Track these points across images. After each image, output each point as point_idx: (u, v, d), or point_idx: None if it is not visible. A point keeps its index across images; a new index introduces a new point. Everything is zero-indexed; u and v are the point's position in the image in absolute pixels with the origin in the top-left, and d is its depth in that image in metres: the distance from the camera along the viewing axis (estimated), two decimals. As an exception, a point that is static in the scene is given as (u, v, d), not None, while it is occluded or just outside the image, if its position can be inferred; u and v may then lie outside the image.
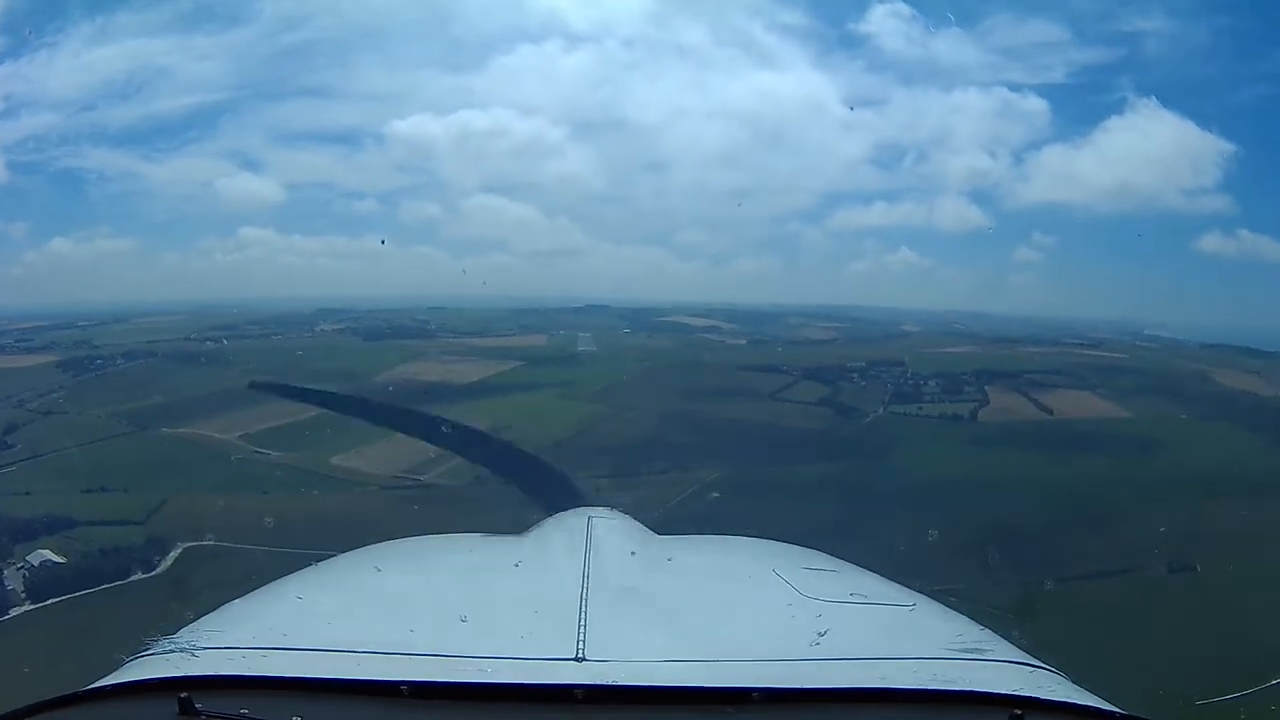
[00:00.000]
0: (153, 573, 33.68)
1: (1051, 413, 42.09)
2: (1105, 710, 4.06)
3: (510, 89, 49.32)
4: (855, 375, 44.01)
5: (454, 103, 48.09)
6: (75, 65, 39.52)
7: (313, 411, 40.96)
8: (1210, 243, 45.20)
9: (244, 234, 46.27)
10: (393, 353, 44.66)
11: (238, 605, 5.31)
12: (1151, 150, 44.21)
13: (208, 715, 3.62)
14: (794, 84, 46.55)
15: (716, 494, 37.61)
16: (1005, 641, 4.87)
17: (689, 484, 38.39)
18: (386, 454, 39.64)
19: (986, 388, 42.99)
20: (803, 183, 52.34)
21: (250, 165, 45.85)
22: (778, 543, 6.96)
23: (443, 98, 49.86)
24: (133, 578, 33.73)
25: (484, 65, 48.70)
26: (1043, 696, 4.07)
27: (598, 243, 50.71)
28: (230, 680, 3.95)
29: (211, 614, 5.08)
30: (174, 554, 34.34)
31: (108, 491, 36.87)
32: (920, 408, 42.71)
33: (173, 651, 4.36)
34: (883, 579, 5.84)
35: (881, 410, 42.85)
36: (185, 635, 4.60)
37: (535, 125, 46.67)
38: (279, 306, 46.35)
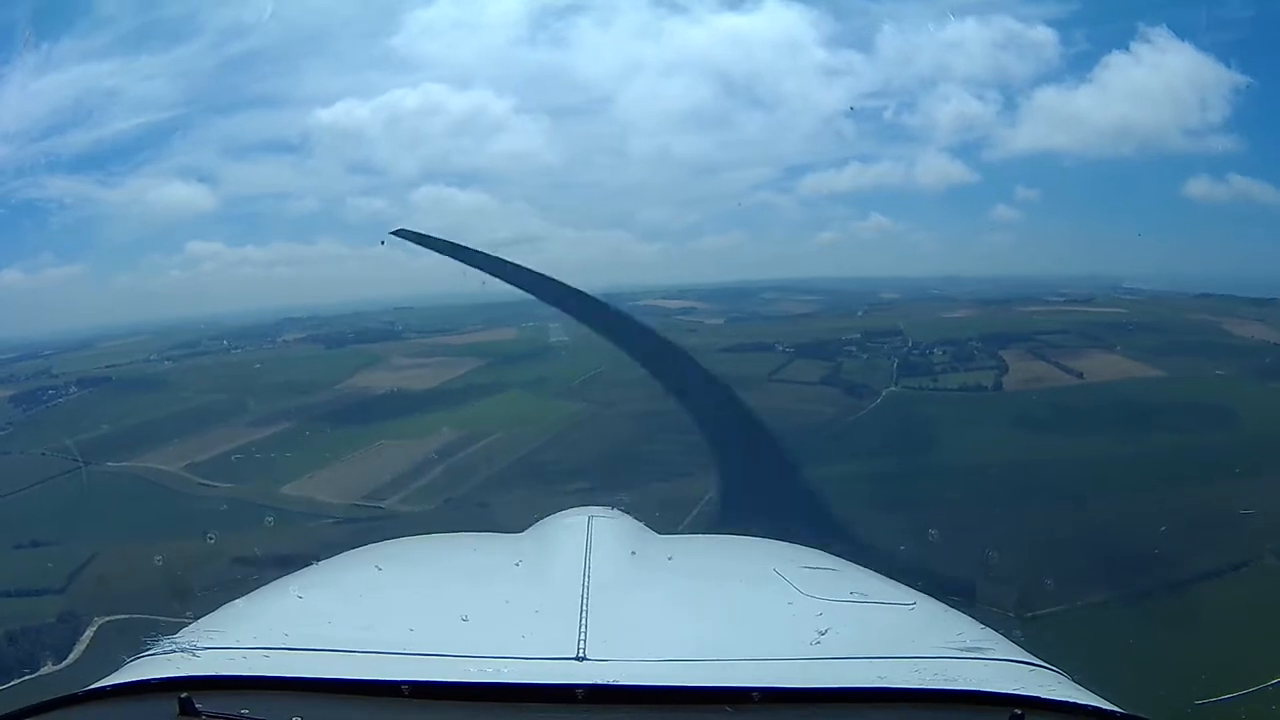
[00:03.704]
0: (64, 663, 28.02)
1: (1081, 376, 36.85)
2: (1105, 710, 3.79)
3: (442, 59, 43.81)
4: (853, 349, 39.08)
5: (398, 86, 42.98)
6: (22, 96, 37.15)
7: (266, 432, 36.41)
8: (1196, 189, 40.19)
9: (203, 249, 42.97)
10: (356, 358, 41.08)
11: (238, 605, 4.99)
12: (1157, 89, 38.73)
13: (208, 715, 3.42)
14: (760, 26, 41.39)
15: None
16: (1006, 640, 4.56)
17: (697, 496, 32.08)
18: (344, 477, 34.79)
19: (1000, 353, 38.06)
20: (770, 146, 46.24)
21: (200, 179, 42.75)
22: (778, 542, 6.60)
23: (388, 86, 43.91)
24: (43, 670, 28.01)
25: (412, 33, 43.37)
26: (1043, 696, 3.79)
27: (557, 228, 47.04)
28: (230, 680, 3.73)
29: (212, 614, 4.77)
30: (89, 633, 28.86)
31: (39, 546, 31.81)
32: (935, 380, 37.53)
33: (173, 651, 4.12)
34: (883, 578, 5.46)
35: (894, 386, 37.64)
36: (185, 635, 4.36)
37: (476, 100, 42.38)
38: (242, 319, 43.47)
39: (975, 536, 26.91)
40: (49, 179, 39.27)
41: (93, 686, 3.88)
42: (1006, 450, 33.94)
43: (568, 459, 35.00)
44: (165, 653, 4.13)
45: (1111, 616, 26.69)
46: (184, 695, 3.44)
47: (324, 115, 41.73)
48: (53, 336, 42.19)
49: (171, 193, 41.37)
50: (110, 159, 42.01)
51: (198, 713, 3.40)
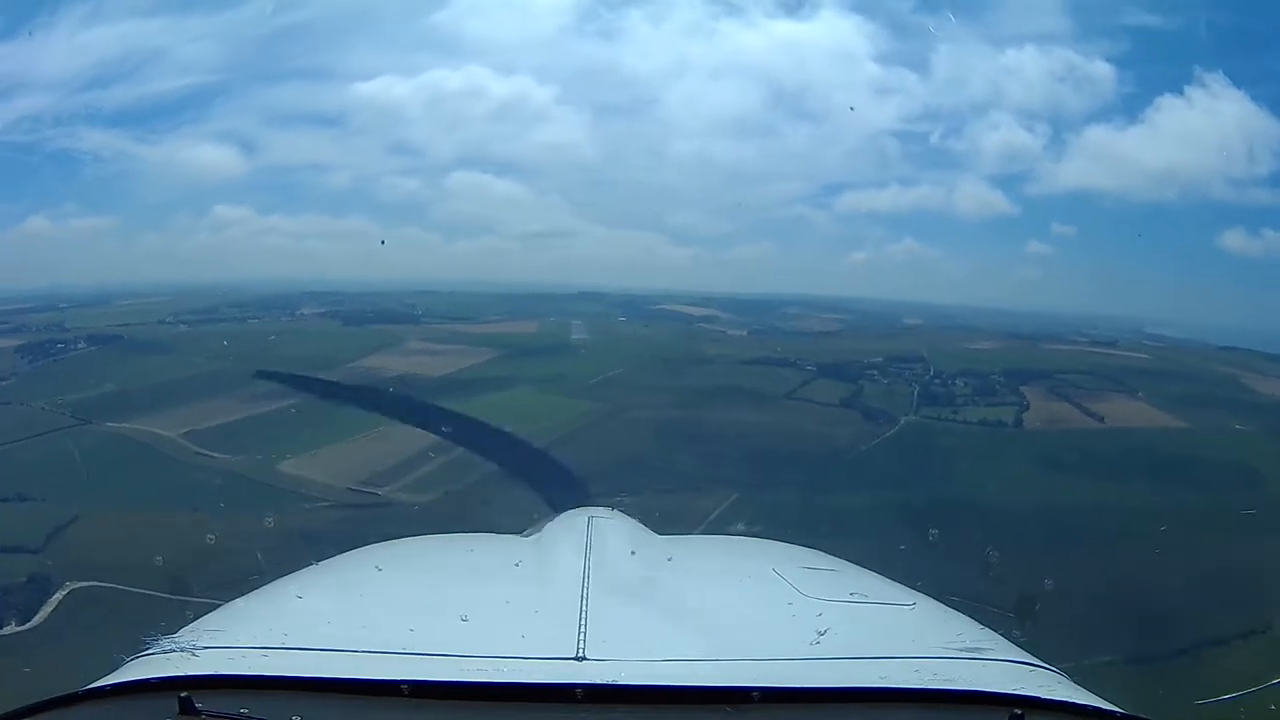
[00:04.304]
0: (27, 625, 26.90)
1: (1102, 420, 35.67)
2: (1105, 710, 3.69)
3: (488, 43, 44.21)
4: (874, 372, 38.02)
5: (440, 67, 42.70)
6: (68, 47, 37.03)
7: (269, 407, 35.25)
8: (1231, 240, 40.76)
9: (231, 214, 42.75)
10: (371, 338, 40.13)
11: (238, 605, 4.85)
12: (1206, 136, 38.34)
13: (208, 715, 3.33)
14: (815, 34, 41.03)
15: (742, 526, 28.53)
16: (1005, 641, 4.45)
17: (702, 510, 30.27)
18: (343, 459, 33.30)
19: (1022, 389, 36.92)
20: (811, 160, 46.46)
21: (238, 147, 42.66)
22: (778, 542, 6.57)
23: (431, 66, 43.38)
24: (4, 631, 26.83)
25: (458, 12, 45.50)
26: (1043, 696, 3.69)
27: (589, 225, 47.58)
28: (230, 680, 3.61)
29: (211, 614, 4.55)
30: (57, 597, 27.43)
31: (25, 501, 30.61)
32: (955, 412, 36.24)
33: (173, 651, 3.95)
34: (883, 578, 5.33)
35: (913, 414, 36.35)
36: (185, 635, 4.12)
37: (518, 87, 41.98)
38: (265, 289, 43.14)
39: (981, 580, 25.35)
40: (86, 131, 39.13)
41: (91, 686, 3.72)
42: (1023, 492, 32.37)
43: (574, 460, 32.97)
44: (165, 652, 3.96)
45: (1115, 677, 24.82)
46: (184, 695, 3.34)
47: (365, 92, 41.48)
48: (70, 289, 41.63)
49: (206, 156, 41.14)
50: (149, 116, 42.39)
51: (197, 712, 3.31)
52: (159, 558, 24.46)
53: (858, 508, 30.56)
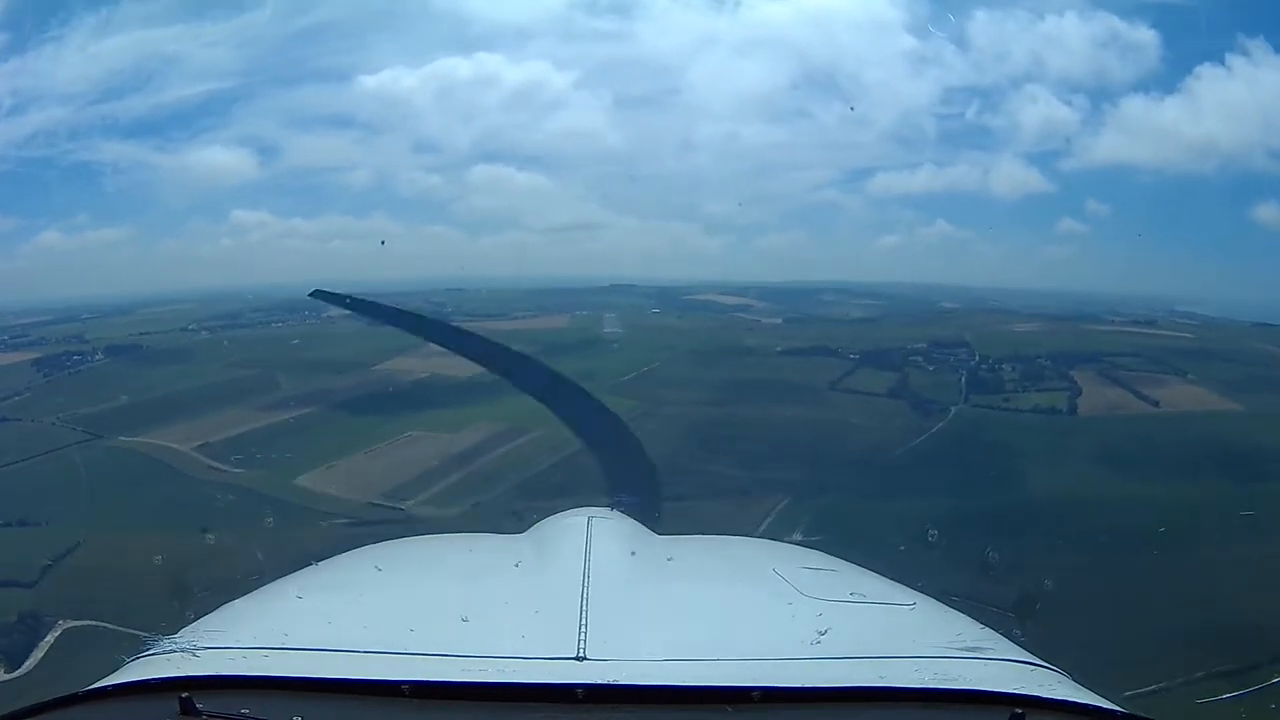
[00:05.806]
0: (16, 672, 24.08)
1: (1158, 405, 33.50)
2: (1106, 709, 3.43)
3: (501, 30, 44.91)
4: (919, 359, 36.01)
5: (452, 55, 43.68)
6: (82, 58, 36.63)
7: (290, 415, 33.50)
8: (1265, 213, 39.88)
9: (254, 220, 43.08)
10: (397, 339, 37.69)
11: (238, 605, 4.45)
12: (1247, 105, 37.75)
13: (208, 715, 3.09)
14: (844, 6, 42.18)
15: (799, 536, 25.55)
16: (1006, 640, 4.12)
17: (751, 519, 27.45)
18: (363, 472, 31.13)
19: (1071, 373, 34.88)
20: (842, 142, 46.87)
21: (254, 151, 42.12)
22: (778, 542, 7.18)
23: (444, 57, 43.65)
24: None
25: (469, 3, 45.99)
26: (1043, 695, 3.44)
27: (618, 216, 46.49)
28: (230, 680, 3.35)
29: (212, 614, 4.20)
30: (50, 638, 24.83)
31: (25, 526, 28.30)
32: (1006, 399, 33.99)
33: (173, 651, 3.63)
34: (883, 578, 4.90)
35: (963, 403, 34.20)
36: (186, 635, 3.83)
37: (535, 73, 41.59)
38: (289, 293, 40.88)
39: (1080, 598, 22.60)
40: (103, 142, 38.43)
41: (93, 686, 3.36)
42: (1094, 491, 29.31)
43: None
44: (165, 653, 3.57)
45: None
46: (184, 695, 3.06)
47: (380, 90, 41.27)
48: (94, 300, 40.69)
49: (223, 162, 41.04)
50: (164, 125, 41.54)
51: (198, 712, 3.03)
52: (161, 570, 21.57)
53: (926, 517, 26.30)
